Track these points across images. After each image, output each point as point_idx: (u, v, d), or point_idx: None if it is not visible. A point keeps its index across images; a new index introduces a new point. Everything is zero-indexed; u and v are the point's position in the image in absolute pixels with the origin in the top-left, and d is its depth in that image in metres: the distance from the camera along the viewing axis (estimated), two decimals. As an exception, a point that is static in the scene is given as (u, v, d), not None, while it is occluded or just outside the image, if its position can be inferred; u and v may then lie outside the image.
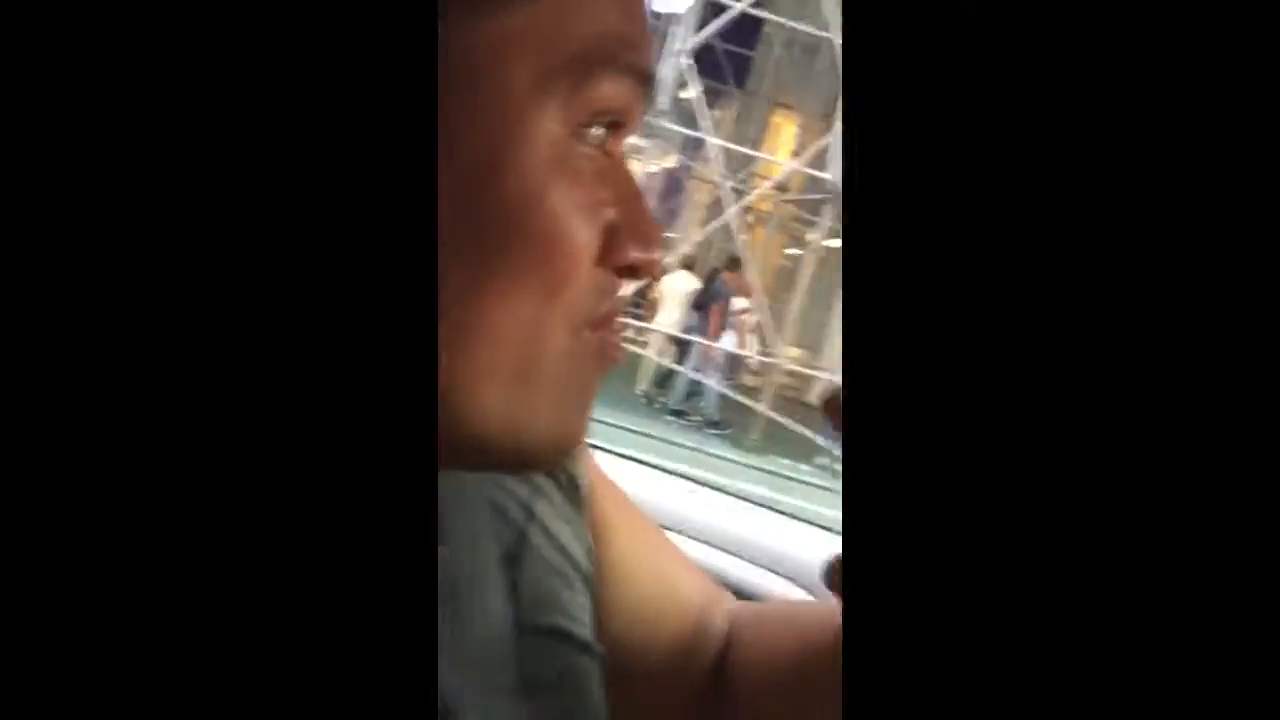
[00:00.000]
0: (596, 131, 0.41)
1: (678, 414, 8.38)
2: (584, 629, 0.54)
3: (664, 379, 8.84)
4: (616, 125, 0.42)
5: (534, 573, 0.52)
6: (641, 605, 0.60)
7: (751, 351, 8.62)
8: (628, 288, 0.45)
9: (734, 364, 8.73)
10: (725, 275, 8.79)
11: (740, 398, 8.10)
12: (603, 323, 0.43)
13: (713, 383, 8.17)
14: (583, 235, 0.41)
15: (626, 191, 0.43)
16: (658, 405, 8.61)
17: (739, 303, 8.61)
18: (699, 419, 8.47)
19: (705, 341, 8.39)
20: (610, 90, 0.41)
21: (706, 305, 8.60)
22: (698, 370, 8.37)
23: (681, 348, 8.94)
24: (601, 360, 0.44)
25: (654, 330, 9.03)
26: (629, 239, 0.43)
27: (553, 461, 0.51)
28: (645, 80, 0.42)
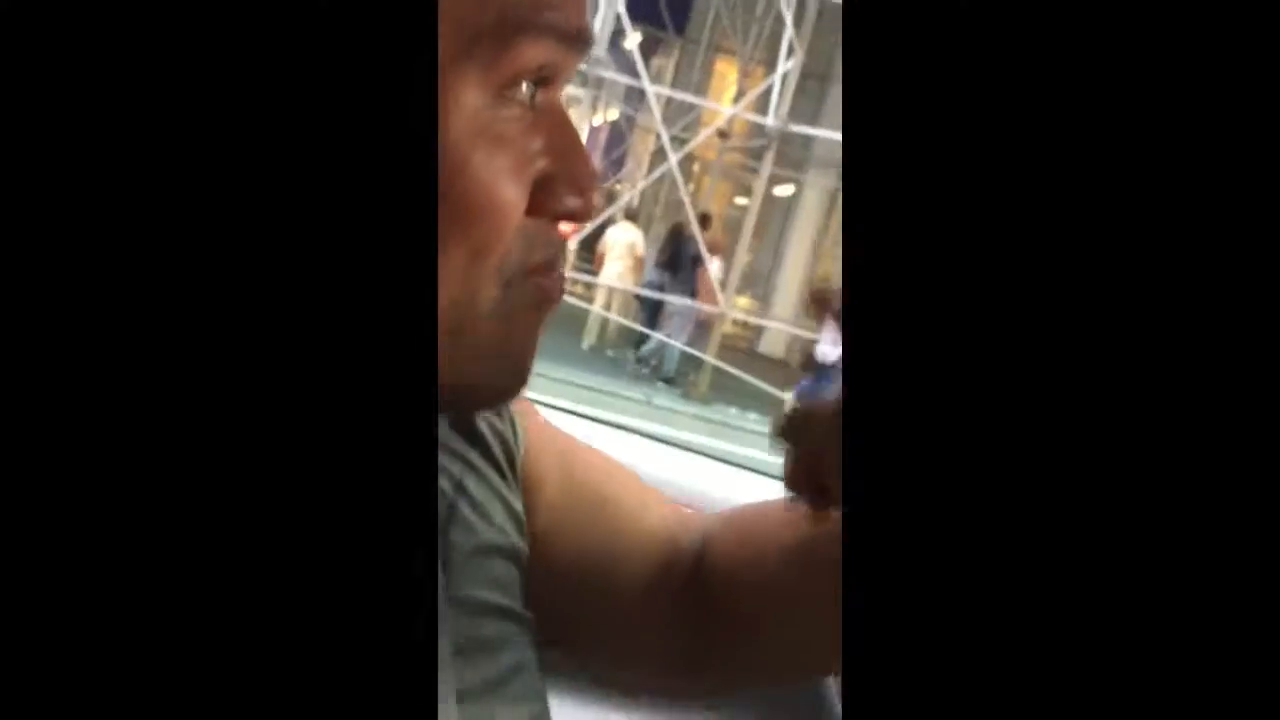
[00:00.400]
0: (524, 90, 0.42)
1: (643, 361, 8.38)
2: (511, 599, 0.55)
3: (640, 341, 8.83)
4: (545, 81, 0.42)
5: (463, 545, 0.53)
6: (593, 550, 0.60)
7: (724, 309, 8.58)
8: (569, 231, 0.46)
9: (705, 324, 8.71)
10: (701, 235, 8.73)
11: (695, 352, 8.12)
12: (540, 269, 0.44)
13: (679, 342, 8.18)
14: (509, 196, 0.42)
15: (560, 139, 0.44)
16: (632, 367, 8.60)
17: (715, 263, 8.59)
18: (648, 372, 8.49)
19: (691, 303, 8.33)
20: (532, 53, 0.41)
21: (679, 265, 8.49)
22: (676, 331, 8.35)
23: (647, 306, 8.93)
24: (540, 304, 0.45)
25: (601, 284, 9.01)
26: (562, 186, 0.44)
27: (498, 404, 0.53)
28: (571, 37, 0.42)
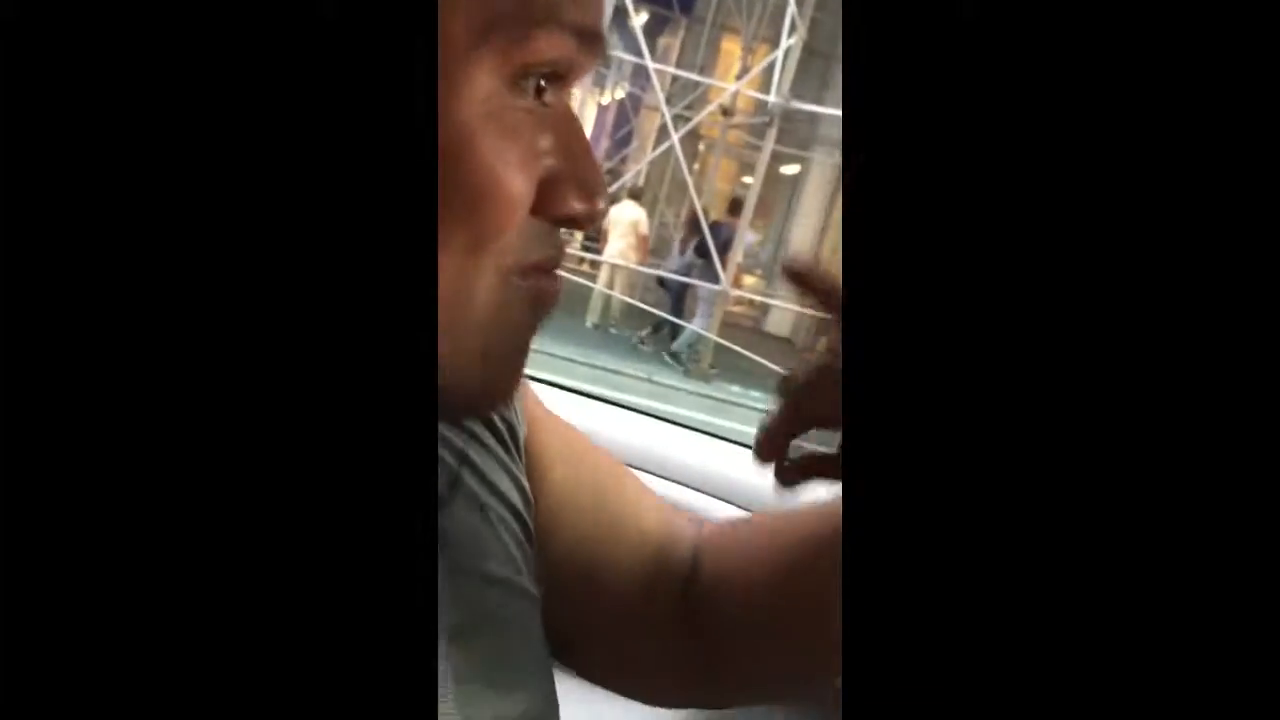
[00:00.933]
0: (536, 85, 0.41)
1: (674, 357, 8.35)
2: (518, 574, 0.54)
3: (658, 326, 8.80)
4: (558, 77, 0.42)
5: (466, 518, 0.52)
6: (593, 537, 0.59)
7: (727, 287, 8.52)
8: (570, 234, 0.45)
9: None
10: (727, 220, 8.68)
11: (700, 330, 8.08)
12: (538, 269, 0.43)
13: (706, 328, 8.15)
14: (516, 187, 0.41)
15: (569, 141, 0.43)
16: (649, 348, 8.57)
17: (750, 237, 8.55)
18: (653, 348, 8.47)
19: (722, 289, 8.28)
20: (548, 46, 0.40)
21: (709, 251, 8.43)
22: (704, 318, 8.31)
23: (673, 293, 8.91)
24: (536, 307, 0.44)
25: (605, 262, 8.99)
26: (569, 189, 0.43)
27: (485, 409, 0.51)
28: (589, 37, 0.41)
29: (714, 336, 8.02)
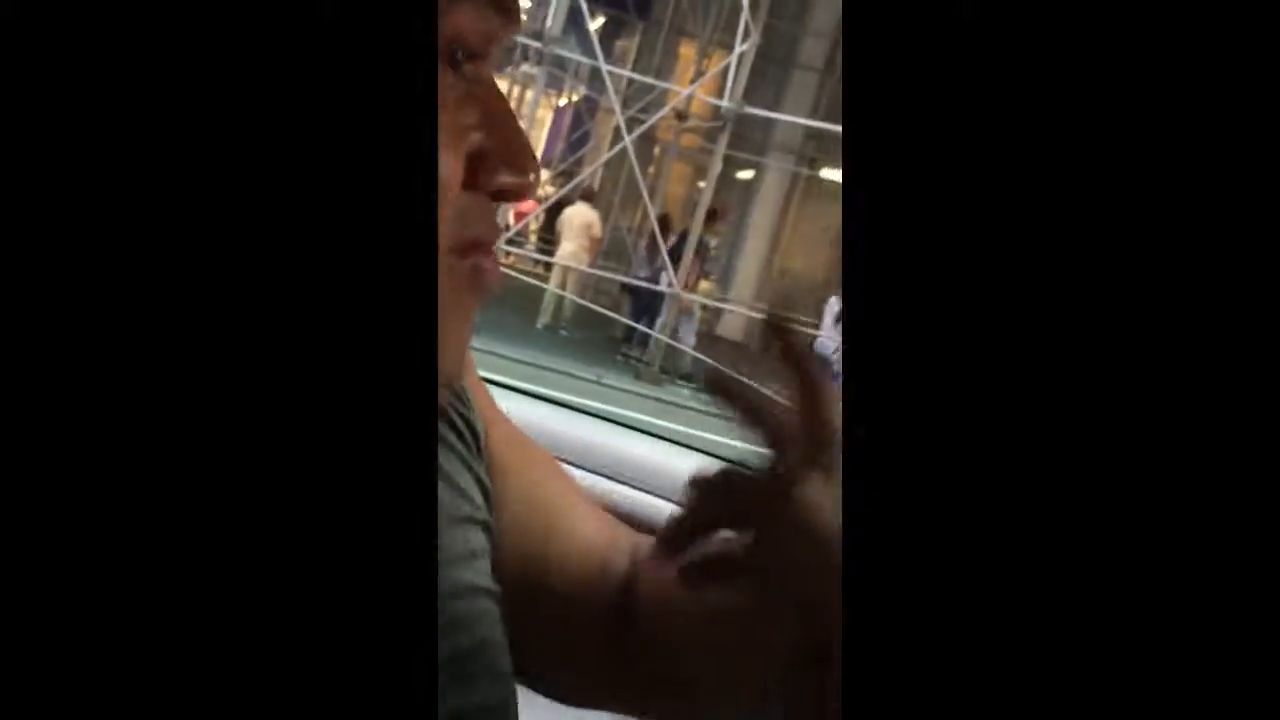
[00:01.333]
0: (456, 58, 0.41)
1: (686, 379, 8.29)
2: (482, 575, 0.53)
3: (631, 335, 8.79)
4: (476, 52, 0.42)
5: None
6: (538, 546, 0.59)
7: (679, 291, 8.53)
8: (503, 212, 0.44)
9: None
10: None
11: (652, 332, 8.08)
12: (475, 248, 0.43)
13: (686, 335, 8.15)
14: (445, 163, 0.40)
15: (495, 114, 0.43)
16: (633, 360, 8.54)
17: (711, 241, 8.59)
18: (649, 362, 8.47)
19: (670, 291, 8.29)
20: (466, 19, 0.40)
21: (679, 257, 8.43)
22: (674, 324, 8.30)
23: (641, 300, 8.91)
24: (476, 287, 0.43)
25: (556, 263, 8.98)
26: (499, 162, 0.43)
27: None
28: (505, 7, 0.42)
29: (667, 339, 8.04)
